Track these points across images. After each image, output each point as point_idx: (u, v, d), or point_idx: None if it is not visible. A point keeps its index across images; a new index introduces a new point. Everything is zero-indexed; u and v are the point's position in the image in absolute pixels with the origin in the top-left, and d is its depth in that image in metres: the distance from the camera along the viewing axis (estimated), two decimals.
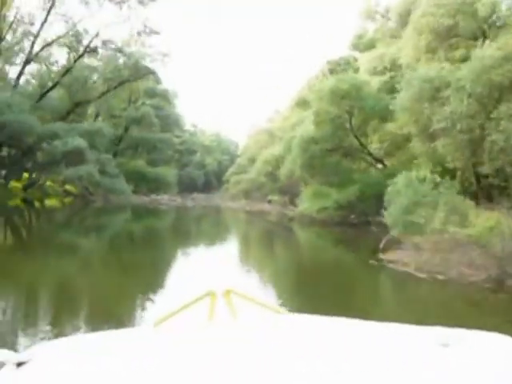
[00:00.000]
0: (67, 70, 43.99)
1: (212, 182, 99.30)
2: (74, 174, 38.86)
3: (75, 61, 43.45)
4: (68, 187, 49.80)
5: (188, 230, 32.07)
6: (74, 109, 46.15)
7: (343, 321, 1.87)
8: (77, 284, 13.33)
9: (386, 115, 32.87)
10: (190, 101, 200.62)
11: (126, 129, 61.79)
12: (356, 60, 46.72)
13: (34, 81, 45.00)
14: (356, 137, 35.75)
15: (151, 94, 62.97)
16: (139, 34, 48.53)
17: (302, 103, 58.23)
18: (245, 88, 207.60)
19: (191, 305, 2.45)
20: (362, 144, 36.02)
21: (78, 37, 40.95)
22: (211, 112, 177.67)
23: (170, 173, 65.02)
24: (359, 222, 33.75)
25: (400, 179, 20.05)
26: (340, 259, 21.37)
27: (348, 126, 35.53)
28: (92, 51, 43.18)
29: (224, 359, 1.46)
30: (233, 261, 18.80)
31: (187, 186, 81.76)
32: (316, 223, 33.69)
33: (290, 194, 54.42)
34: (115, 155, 59.31)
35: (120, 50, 44.30)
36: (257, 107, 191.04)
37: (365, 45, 49.28)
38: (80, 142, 38.45)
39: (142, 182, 59.91)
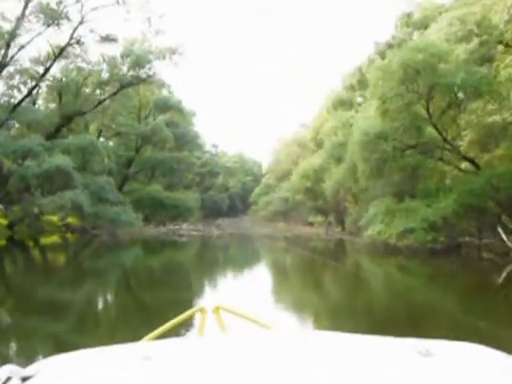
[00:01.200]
0: (46, 71, 33.69)
1: (237, 205, 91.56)
2: (53, 204, 28.20)
3: (56, 56, 33.02)
4: (71, 220, 39.31)
5: (212, 278, 21.09)
6: (66, 124, 35.82)
7: (330, 335, 1.86)
8: None
9: (480, 94, 22.83)
10: (207, 121, 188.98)
11: (137, 149, 51.52)
12: (411, 39, 35.74)
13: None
14: (435, 127, 24.96)
15: (163, 106, 52.54)
16: (143, 33, 38.52)
17: (341, 103, 47.80)
18: (263, 104, 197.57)
19: (182, 321, 2.56)
20: (443, 138, 25.21)
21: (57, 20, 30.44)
22: (230, 132, 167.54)
23: (191, 197, 54.74)
24: (455, 247, 23.09)
25: None
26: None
27: (425, 113, 24.84)
28: (76, 43, 32.76)
29: (212, 374, 1.44)
30: None
31: (210, 212, 73.52)
32: (397, 254, 23.03)
33: (336, 213, 43.80)
34: (125, 180, 50.48)
35: (110, 38, 33.80)
36: (278, 123, 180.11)
37: (416, 23, 38.78)
38: (63, 161, 28.13)
39: (160, 210, 49.67)
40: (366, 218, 27.52)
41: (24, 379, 1.42)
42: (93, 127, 46.17)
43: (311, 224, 48.39)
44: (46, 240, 35.33)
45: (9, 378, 1.41)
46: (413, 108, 24.63)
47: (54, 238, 36.33)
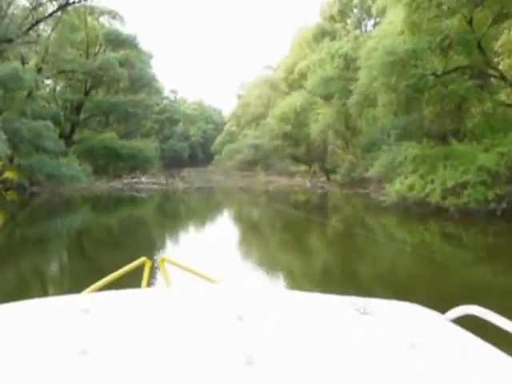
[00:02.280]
0: None
1: (198, 154, 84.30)
2: None
3: None
4: (9, 176, 31.28)
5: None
6: None
7: (271, 291, 1.95)
8: None
9: None
10: (165, 65, 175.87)
11: (87, 92, 43.19)
12: None
13: None
14: (479, 46, 18.15)
15: (115, 41, 43.95)
16: None
17: (323, 34, 40.16)
18: (220, 48, 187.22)
19: (125, 273, 2.46)
20: (487, 60, 18.42)
21: None
22: (189, 77, 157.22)
23: (149, 146, 46.93)
24: None
25: None
26: None
27: (466, 26, 17.98)
28: None
29: (152, 327, 1.41)
30: None
31: (171, 162, 65.52)
32: (433, 216, 16.42)
33: (321, 161, 36.85)
34: (74, 127, 42.40)
35: None
36: (236, 69, 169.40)
37: None
38: None
39: (115, 161, 42.31)
40: (379, 165, 20.70)
41: None
42: (31, 64, 37.45)
43: (292, 174, 41.19)
44: None
45: None
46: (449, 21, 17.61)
47: None
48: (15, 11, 28.92)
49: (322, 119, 32.10)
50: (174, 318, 1.48)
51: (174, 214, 25.19)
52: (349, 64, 31.75)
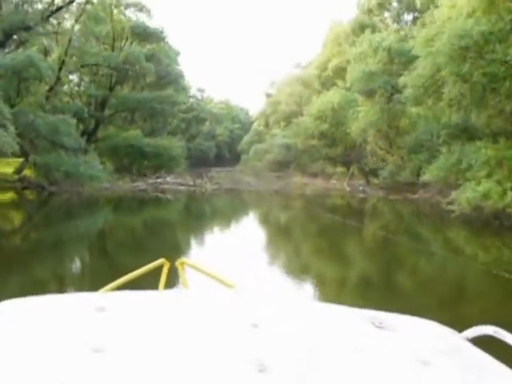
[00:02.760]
0: None
1: (224, 154, 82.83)
2: None
3: None
4: (28, 173, 28.98)
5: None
6: (5, 42, 24.88)
7: (289, 299, 1.87)
8: None
9: None
10: (192, 63, 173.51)
11: (112, 87, 40.95)
12: None
13: None
14: None
15: (142, 34, 41.72)
16: None
17: (362, 28, 37.29)
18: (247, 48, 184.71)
19: (142, 274, 2.48)
20: None
21: None
22: (215, 77, 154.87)
23: (176, 145, 44.43)
24: None
25: None
26: None
27: None
28: None
29: (165, 328, 1.40)
30: None
31: (196, 162, 63.44)
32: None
33: (358, 163, 34.04)
34: (98, 124, 40.24)
35: None
36: (264, 67, 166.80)
37: None
38: None
39: (139, 159, 39.98)
40: (437, 168, 17.90)
41: None
42: (54, 57, 35.22)
43: (327, 176, 38.25)
44: None
45: None
46: None
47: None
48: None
49: (362, 117, 29.39)
50: (189, 321, 1.47)
51: (200, 218, 22.73)
52: (393, 58, 29.14)
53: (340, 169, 38.67)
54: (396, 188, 26.91)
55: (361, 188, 30.87)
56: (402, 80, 21.18)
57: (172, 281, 2.74)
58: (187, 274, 2.51)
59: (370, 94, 29.50)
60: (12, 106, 21.63)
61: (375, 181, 32.03)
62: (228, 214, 25.18)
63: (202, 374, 1.13)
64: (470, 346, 1.45)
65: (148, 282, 2.25)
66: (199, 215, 23.89)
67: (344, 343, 1.36)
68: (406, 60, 24.57)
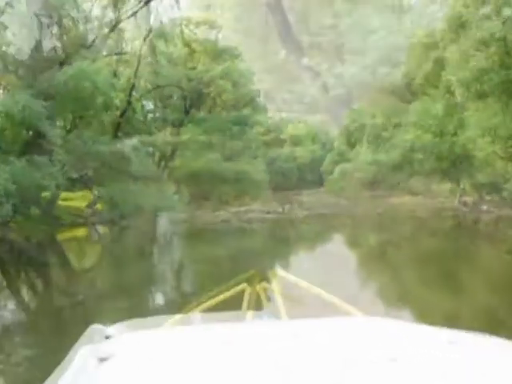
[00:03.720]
0: None
1: (306, 176, 77.72)
2: None
3: None
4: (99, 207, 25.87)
5: None
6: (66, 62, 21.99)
7: (377, 320, 1.80)
8: None
9: None
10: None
11: (187, 110, 38.23)
12: None
13: None
14: None
15: (214, 52, 38.87)
16: None
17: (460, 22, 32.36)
18: None
19: (228, 294, 2.38)
20: None
21: None
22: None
23: (258, 169, 41.35)
24: None
25: None
26: None
27: None
28: None
29: (288, 359, 1.37)
30: None
31: (277, 186, 59.83)
32: None
33: (469, 177, 28.91)
34: (175, 150, 37.95)
35: None
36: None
37: None
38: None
39: (219, 186, 37.03)
40: None
41: (101, 360, 1.37)
42: (122, 81, 32.54)
43: (430, 194, 33.17)
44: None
45: (86, 359, 1.38)
46: None
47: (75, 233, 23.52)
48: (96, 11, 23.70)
49: (475, 123, 24.61)
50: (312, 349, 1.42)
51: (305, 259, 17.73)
52: (510, 49, 24.34)
53: (446, 185, 33.57)
54: None
55: (484, 207, 25.50)
56: None
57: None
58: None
59: (481, 95, 24.84)
60: (68, 132, 18.56)
61: (487, 197, 27.14)
62: (334, 251, 19.68)
63: None
64: None
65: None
66: (300, 256, 18.98)
67: (422, 359, 1.29)
68: None
